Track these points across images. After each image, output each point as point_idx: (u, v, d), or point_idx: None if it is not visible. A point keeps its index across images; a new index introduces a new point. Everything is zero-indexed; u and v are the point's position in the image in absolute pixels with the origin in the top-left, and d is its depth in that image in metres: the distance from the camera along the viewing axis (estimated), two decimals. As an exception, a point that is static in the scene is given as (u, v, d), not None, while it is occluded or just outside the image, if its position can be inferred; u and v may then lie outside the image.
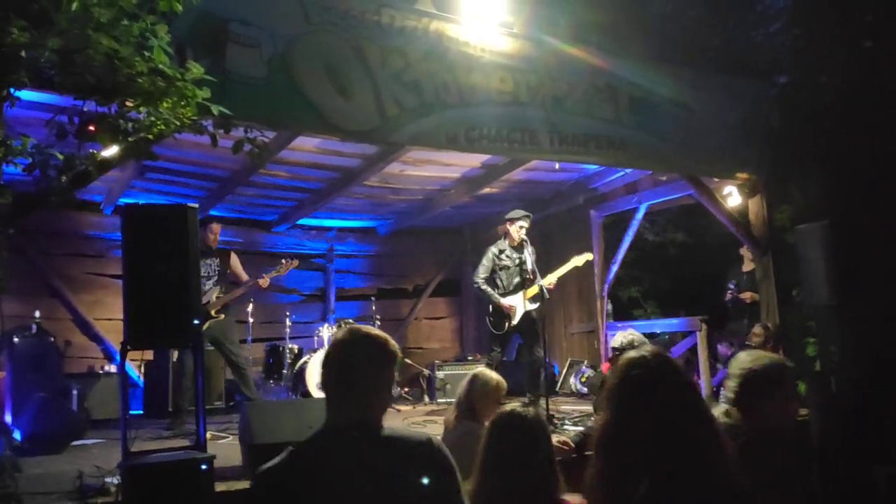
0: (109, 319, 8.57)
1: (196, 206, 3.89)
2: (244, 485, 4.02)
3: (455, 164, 7.84)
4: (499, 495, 2.39)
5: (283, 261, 7.27)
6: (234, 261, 6.96)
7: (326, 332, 7.89)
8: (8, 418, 6.12)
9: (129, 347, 3.71)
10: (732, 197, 7.64)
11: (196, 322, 3.75)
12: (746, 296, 7.87)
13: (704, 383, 7.29)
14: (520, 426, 2.51)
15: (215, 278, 6.65)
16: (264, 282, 6.86)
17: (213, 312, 6.50)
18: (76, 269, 8.61)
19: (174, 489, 3.51)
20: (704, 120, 7.07)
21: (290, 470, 1.83)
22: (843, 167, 7.33)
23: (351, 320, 8.31)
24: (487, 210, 9.70)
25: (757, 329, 6.74)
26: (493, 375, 4.12)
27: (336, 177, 7.92)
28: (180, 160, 6.91)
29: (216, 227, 6.82)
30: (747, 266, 8.09)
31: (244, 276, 6.92)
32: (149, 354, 7.67)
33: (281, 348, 7.88)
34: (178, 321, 3.71)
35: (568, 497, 2.46)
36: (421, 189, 8.78)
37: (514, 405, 2.69)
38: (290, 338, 7.97)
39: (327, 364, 2.00)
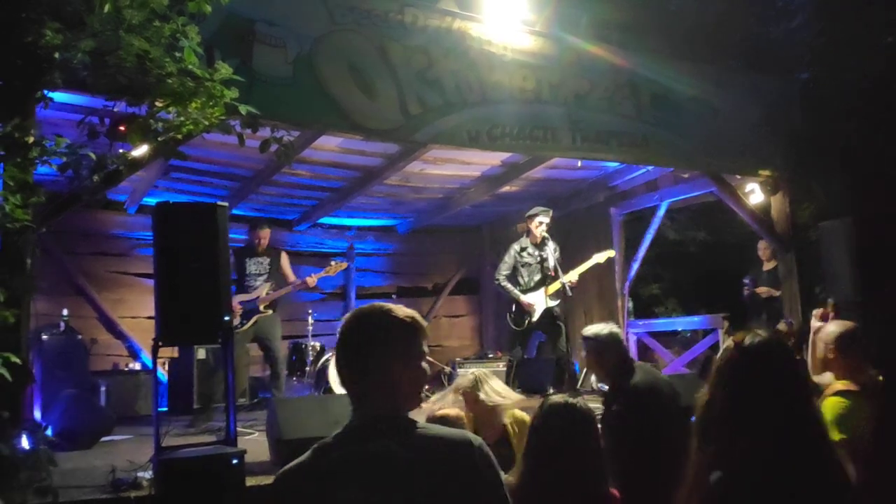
0: (134, 318, 8.68)
1: (226, 204, 3.95)
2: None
3: (475, 163, 7.86)
4: (547, 486, 2.38)
5: (333, 262, 7.34)
6: (285, 261, 7.08)
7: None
8: (37, 414, 6.23)
9: (160, 344, 3.77)
10: (755, 194, 7.60)
11: (226, 318, 3.80)
12: (762, 290, 7.84)
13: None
14: (572, 416, 2.50)
15: (265, 276, 6.76)
16: (312, 281, 6.96)
17: (261, 308, 6.60)
18: (101, 267, 8.71)
19: (206, 483, 3.56)
20: (726, 117, 7.05)
21: (311, 472, 1.66)
22: (865, 163, 7.28)
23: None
24: (507, 208, 9.70)
25: (781, 325, 6.71)
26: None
27: (357, 176, 7.97)
28: (204, 160, 6.98)
29: (263, 231, 6.94)
30: (767, 265, 8.06)
31: (291, 277, 7.03)
32: (173, 352, 7.77)
33: (304, 346, 7.94)
34: (209, 318, 3.76)
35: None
36: (441, 188, 8.81)
37: (563, 396, 2.67)
38: (313, 335, 8.02)
39: (338, 348, 1.76)
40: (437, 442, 1.66)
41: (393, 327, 1.71)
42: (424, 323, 1.77)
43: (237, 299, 6.39)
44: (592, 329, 4.06)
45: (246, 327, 6.53)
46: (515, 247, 6.98)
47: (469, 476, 1.63)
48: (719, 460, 1.82)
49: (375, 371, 1.68)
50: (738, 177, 7.59)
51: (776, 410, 1.81)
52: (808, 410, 1.86)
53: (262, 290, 6.67)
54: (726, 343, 1.98)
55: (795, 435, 1.78)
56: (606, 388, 4.10)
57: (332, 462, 1.63)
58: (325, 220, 9.85)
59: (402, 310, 1.75)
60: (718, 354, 2.02)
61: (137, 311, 8.70)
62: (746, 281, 8.29)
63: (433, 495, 1.59)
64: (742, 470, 1.78)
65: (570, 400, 2.57)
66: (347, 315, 1.78)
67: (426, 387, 1.80)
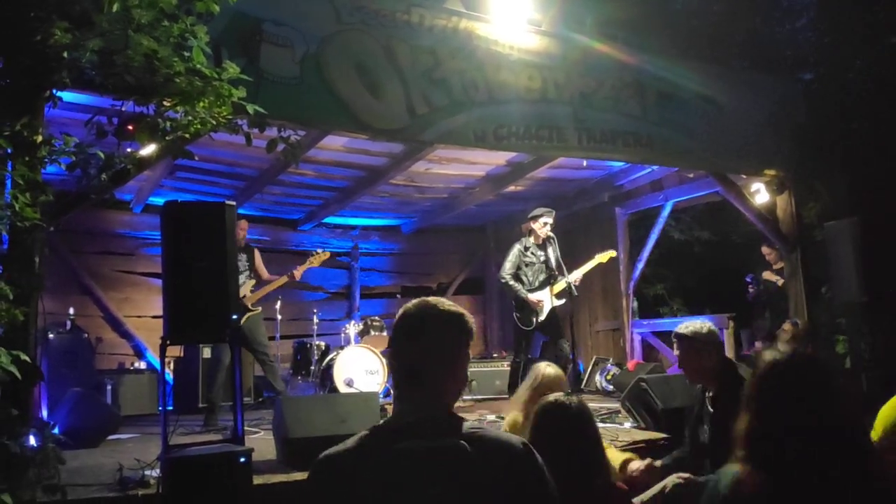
0: (139, 317, 8.72)
1: (234, 203, 3.95)
2: (280, 478, 4.07)
3: (480, 163, 7.87)
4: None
5: (315, 252, 7.35)
6: (258, 257, 7.07)
7: (352, 330, 7.95)
8: (44, 412, 6.24)
9: (168, 342, 3.77)
10: (760, 194, 7.59)
11: (234, 317, 3.80)
12: (768, 274, 7.88)
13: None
14: (565, 415, 2.52)
15: (246, 273, 6.75)
16: (298, 273, 6.97)
17: (250, 306, 6.60)
18: (106, 267, 8.74)
19: (213, 482, 3.55)
20: (732, 116, 7.05)
21: (367, 461, 1.58)
22: (870, 163, 7.26)
23: (377, 317, 8.35)
24: (512, 208, 9.71)
25: (786, 325, 6.70)
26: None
27: (362, 175, 7.98)
28: (210, 159, 7.00)
29: (244, 223, 6.93)
30: (776, 266, 8.06)
31: (265, 274, 7.02)
32: (179, 351, 7.79)
33: (308, 345, 7.95)
34: (217, 316, 3.76)
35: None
36: (446, 187, 8.82)
37: (556, 395, 2.68)
38: (317, 335, 8.04)
39: (394, 345, 1.74)
40: (495, 443, 1.63)
41: (460, 322, 1.72)
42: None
43: None
44: (691, 326, 3.75)
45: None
46: (519, 246, 6.93)
47: (525, 479, 1.61)
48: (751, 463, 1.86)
49: (440, 364, 1.68)
50: (744, 176, 7.58)
51: (804, 421, 1.84)
52: (839, 418, 1.88)
53: (245, 288, 6.66)
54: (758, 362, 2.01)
55: (824, 444, 1.81)
56: (710, 392, 3.73)
57: (400, 454, 1.57)
58: (330, 219, 9.87)
59: (464, 312, 1.75)
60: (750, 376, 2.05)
61: (143, 310, 8.74)
62: (749, 280, 8.30)
63: (492, 496, 1.55)
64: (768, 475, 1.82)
65: (563, 399, 2.58)
66: (411, 305, 1.76)
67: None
